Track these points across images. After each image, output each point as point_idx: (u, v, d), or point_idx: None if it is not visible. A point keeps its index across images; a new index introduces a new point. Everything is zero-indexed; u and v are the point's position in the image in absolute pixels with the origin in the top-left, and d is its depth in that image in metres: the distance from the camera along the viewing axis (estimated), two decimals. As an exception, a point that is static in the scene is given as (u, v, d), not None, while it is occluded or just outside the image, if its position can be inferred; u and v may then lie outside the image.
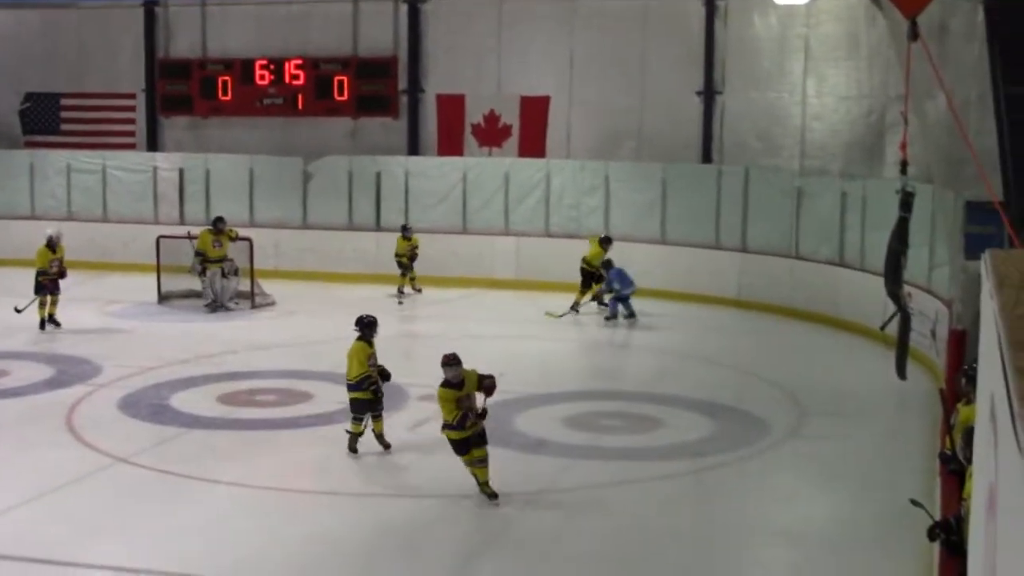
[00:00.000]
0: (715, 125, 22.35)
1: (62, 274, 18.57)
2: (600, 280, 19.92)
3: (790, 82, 21.30)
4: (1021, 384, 1.69)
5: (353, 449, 12.12)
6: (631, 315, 19.38)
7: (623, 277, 19.32)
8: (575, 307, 19.96)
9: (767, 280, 20.25)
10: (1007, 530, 1.90)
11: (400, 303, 21.52)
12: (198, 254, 20.38)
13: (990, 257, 2.84)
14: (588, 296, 20.15)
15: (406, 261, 21.94)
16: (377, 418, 12.23)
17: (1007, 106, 12.34)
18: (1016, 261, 2.87)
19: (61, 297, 18.71)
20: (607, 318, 19.55)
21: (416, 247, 22.12)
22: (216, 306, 20.31)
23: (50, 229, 19.52)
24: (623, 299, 19.37)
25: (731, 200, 21.24)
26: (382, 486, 11.70)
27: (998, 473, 2.04)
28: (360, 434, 12.10)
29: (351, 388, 12.07)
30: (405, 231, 22.14)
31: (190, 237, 20.85)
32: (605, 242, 20.22)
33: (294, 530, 10.37)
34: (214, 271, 20.40)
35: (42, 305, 18.37)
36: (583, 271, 20.20)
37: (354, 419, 12.05)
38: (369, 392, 12.04)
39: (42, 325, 18.35)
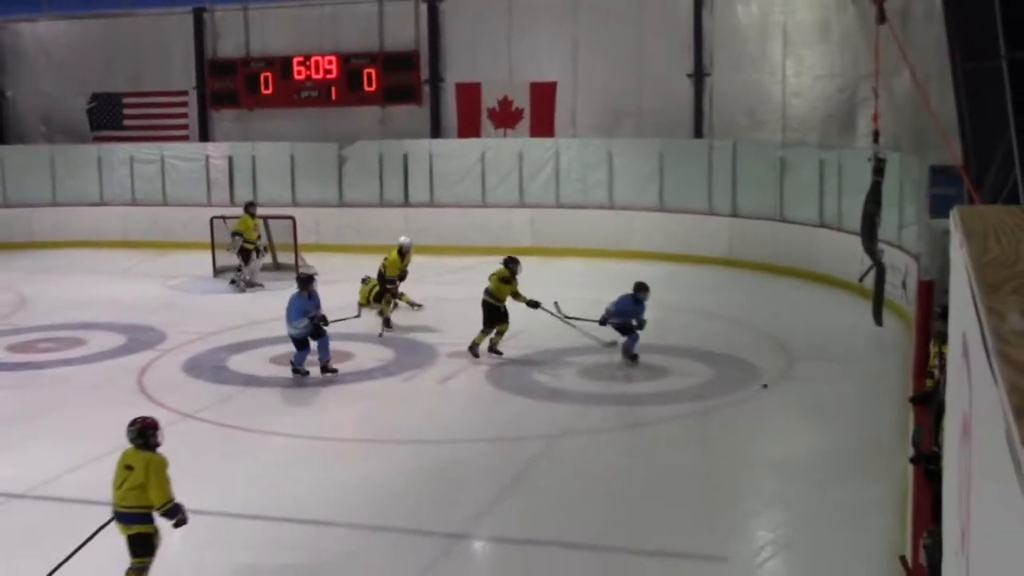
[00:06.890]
0: (705, 104, 22.22)
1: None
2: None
3: (771, 64, 21.10)
4: (992, 320, 1.69)
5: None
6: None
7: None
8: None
9: (755, 241, 20.20)
10: (980, 453, 1.91)
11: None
12: (237, 235, 19.93)
13: (958, 213, 2.81)
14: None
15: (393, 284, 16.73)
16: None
17: (964, 80, 12.25)
18: (980, 215, 2.86)
19: (131, 272, 18.14)
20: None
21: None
22: (244, 285, 19.76)
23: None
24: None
25: (722, 171, 21.15)
26: (417, 434, 11.73)
27: (971, 403, 2.04)
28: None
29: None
30: (401, 250, 16.93)
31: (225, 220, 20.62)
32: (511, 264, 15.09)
33: (344, 474, 10.45)
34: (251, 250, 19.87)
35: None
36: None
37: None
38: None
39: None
